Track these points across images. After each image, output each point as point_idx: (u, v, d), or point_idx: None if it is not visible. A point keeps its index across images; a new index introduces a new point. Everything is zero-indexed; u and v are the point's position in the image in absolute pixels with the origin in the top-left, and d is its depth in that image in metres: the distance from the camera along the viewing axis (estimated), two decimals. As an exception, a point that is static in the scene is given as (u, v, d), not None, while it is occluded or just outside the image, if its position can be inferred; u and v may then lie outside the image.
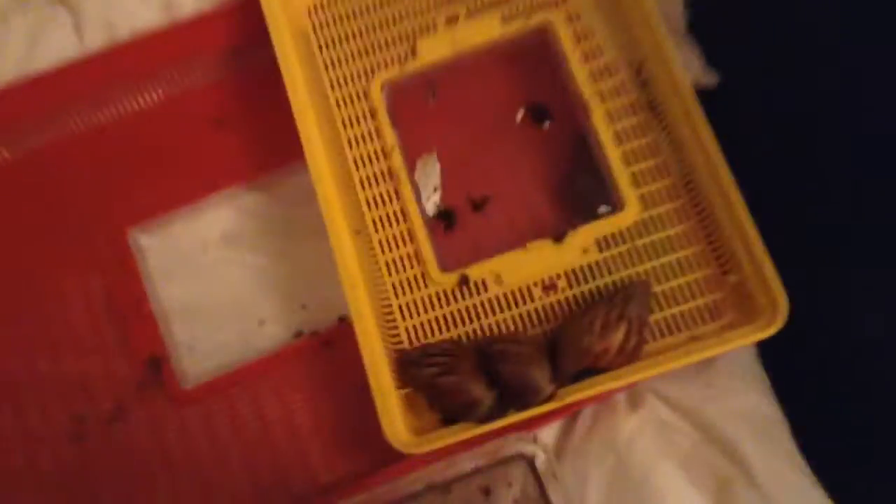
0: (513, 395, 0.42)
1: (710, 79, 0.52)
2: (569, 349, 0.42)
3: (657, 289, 0.45)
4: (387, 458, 0.44)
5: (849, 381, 0.45)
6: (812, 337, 0.45)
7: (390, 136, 0.50)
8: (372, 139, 0.50)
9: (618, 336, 0.42)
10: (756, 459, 0.42)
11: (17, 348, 0.49)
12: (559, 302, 0.46)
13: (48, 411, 0.48)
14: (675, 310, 0.45)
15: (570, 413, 0.46)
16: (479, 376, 0.43)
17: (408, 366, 0.45)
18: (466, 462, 0.32)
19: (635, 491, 0.41)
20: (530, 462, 0.32)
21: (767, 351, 0.47)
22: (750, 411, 0.44)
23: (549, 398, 0.42)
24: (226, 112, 0.53)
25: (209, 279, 0.51)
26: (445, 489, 0.32)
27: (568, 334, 0.43)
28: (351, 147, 0.50)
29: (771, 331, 0.41)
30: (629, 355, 0.42)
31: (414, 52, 0.51)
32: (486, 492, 0.35)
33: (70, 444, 0.48)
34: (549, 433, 0.46)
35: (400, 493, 0.32)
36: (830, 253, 0.44)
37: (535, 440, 0.32)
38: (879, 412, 0.43)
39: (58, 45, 0.54)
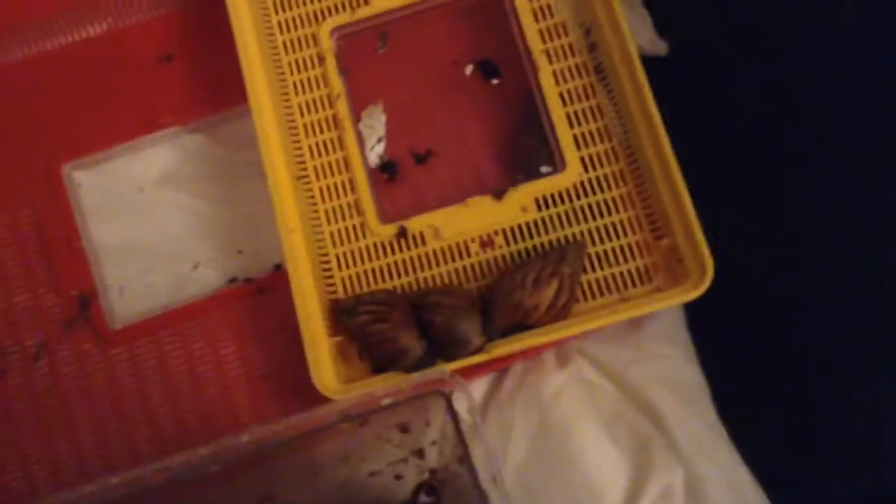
0: (442, 346, 0.43)
1: (659, 47, 0.52)
2: (500, 304, 0.42)
3: (592, 250, 0.46)
4: (314, 405, 0.44)
5: (772, 349, 0.46)
6: (736, 305, 0.46)
7: (337, 83, 0.49)
8: (318, 86, 0.50)
9: (549, 293, 0.42)
10: (676, 422, 0.43)
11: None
12: (496, 258, 0.46)
13: (-29, 345, 0.47)
14: (608, 271, 0.45)
15: (500, 368, 0.46)
16: (411, 326, 0.43)
17: (340, 313, 0.44)
18: (385, 396, 0.32)
19: (557, 445, 0.42)
20: (448, 400, 0.32)
21: (694, 317, 0.48)
22: (673, 375, 0.45)
23: (478, 351, 0.42)
24: (172, 48, 0.52)
25: (144, 219, 0.50)
26: (362, 421, 0.32)
27: (500, 289, 0.43)
28: (297, 93, 0.50)
29: (696, 293, 0.42)
30: (559, 313, 0.43)
31: (366, -1, 0.50)
32: (405, 429, 0.35)
33: (-8, 379, 0.47)
34: (477, 387, 0.46)
35: (315, 423, 0.32)
36: (761, 221, 0.45)
37: (454, 378, 0.32)
38: (799, 379, 0.44)
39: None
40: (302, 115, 0.49)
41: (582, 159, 0.47)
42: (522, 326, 0.43)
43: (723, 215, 0.43)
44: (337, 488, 0.39)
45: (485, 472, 0.33)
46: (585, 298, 0.45)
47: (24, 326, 0.47)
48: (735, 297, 0.45)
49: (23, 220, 0.49)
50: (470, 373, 0.44)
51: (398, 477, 0.39)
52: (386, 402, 0.32)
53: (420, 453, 0.37)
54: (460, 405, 0.32)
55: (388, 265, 0.47)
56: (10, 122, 0.51)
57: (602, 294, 0.45)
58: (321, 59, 0.50)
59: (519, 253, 0.46)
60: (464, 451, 0.31)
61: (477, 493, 0.32)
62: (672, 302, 0.43)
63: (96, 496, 0.32)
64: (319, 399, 0.42)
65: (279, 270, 0.49)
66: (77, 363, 0.47)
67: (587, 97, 0.48)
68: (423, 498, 0.40)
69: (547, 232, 0.46)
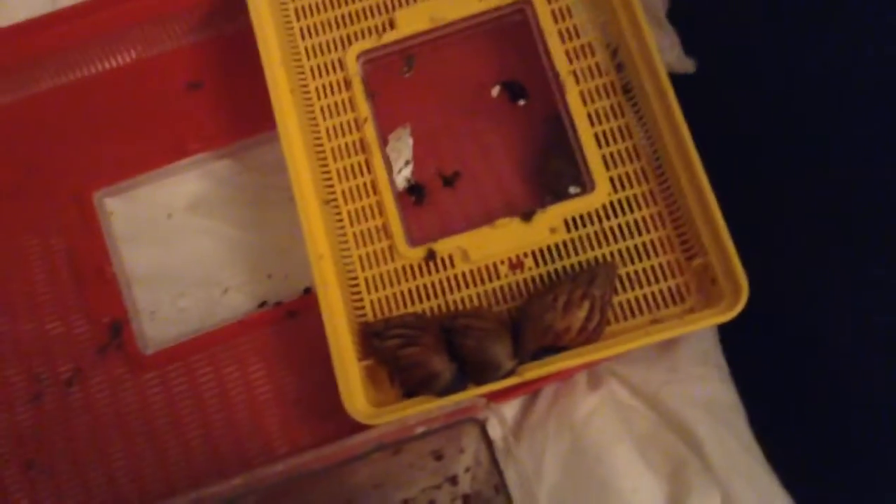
0: (473, 370, 0.42)
1: (687, 65, 0.52)
2: (531, 326, 0.42)
3: (622, 271, 0.45)
4: (346, 430, 0.43)
5: (807, 370, 0.45)
6: (772, 326, 0.45)
7: (364, 107, 0.49)
8: (346, 110, 0.50)
9: (580, 315, 0.42)
10: (711, 444, 0.43)
11: (-24, 307, 0.48)
12: (525, 280, 0.46)
13: (6, 372, 0.47)
14: (639, 292, 0.45)
15: (531, 391, 0.46)
16: (441, 350, 0.42)
17: (370, 337, 0.44)
18: (418, 424, 0.32)
19: (591, 468, 0.42)
20: (482, 428, 0.32)
21: (729, 339, 0.47)
22: (708, 397, 0.44)
23: (510, 374, 0.42)
24: (200, 76, 0.52)
25: (174, 245, 0.50)
26: (396, 450, 0.32)
27: (531, 311, 0.43)
28: (324, 117, 0.50)
29: (731, 314, 0.41)
30: (590, 335, 0.42)
31: (392, 23, 0.50)
32: (438, 457, 0.35)
33: (27, 404, 0.47)
34: (509, 410, 0.46)
35: (348, 453, 0.32)
36: (794, 242, 0.44)
37: (488, 405, 0.32)
38: (836, 402, 0.43)
39: (27, 1, 0.53)
40: (329, 139, 0.49)
41: (611, 179, 0.47)
42: (554, 349, 0.43)
43: (756, 234, 0.43)
44: (370, 515, 0.39)
45: (520, 499, 0.32)
46: (617, 320, 0.45)
47: (57, 353, 0.48)
48: (770, 317, 0.45)
49: (55, 247, 0.50)
50: (501, 396, 0.44)
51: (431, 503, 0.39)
52: (419, 430, 0.32)
53: (454, 480, 0.37)
54: (494, 431, 0.32)
55: (417, 288, 0.47)
56: (43, 150, 0.51)
57: (634, 315, 0.45)
58: (348, 84, 0.50)
59: (549, 274, 0.46)
60: (499, 479, 0.31)
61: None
62: (705, 323, 0.42)
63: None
64: (351, 423, 0.42)
65: (308, 294, 0.49)
66: (110, 389, 0.47)
67: (615, 117, 0.47)
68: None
69: (577, 253, 0.46)
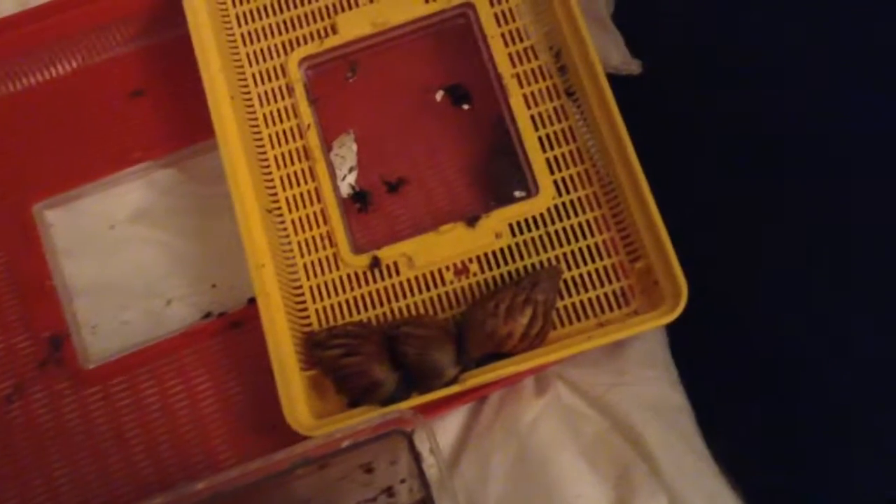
0: (417, 378, 0.42)
1: (632, 66, 0.52)
2: (473, 333, 0.42)
3: (567, 275, 0.45)
4: (290, 441, 0.43)
5: (754, 370, 0.45)
6: (718, 326, 0.45)
7: (307, 114, 0.49)
8: (288, 117, 0.49)
9: (522, 321, 0.41)
10: (659, 447, 0.42)
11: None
12: (471, 286, 0.46)
13: (-58, 389, 0.46)
14: (584, 296, 0.45)
15: (477, 398, 0.45)
16: (384, 358, 0.42)
17: (313, 347, 0.44)
18: (344, 438, 0.31)
19: (535, 475, 0.41)
20: (409, 440, 0.31)
21: (676, 340, 0.47)
22: (656, 400, 0.44)
23: (453, 381, 0.42)
24: (141, 84, 0.52)
25: (116, 257, 0.49)
26: (322, 464, 0.32)
27: (473, 318, 0.42)
28: (267, 124, 0.49)
29: (673, 316, 0.41)
30: (533, 340, 0.42)
31: (334, 28, 0.50)
32: (369, 469, 0.34)
33: (-36, 423, 0.46)
34: (455, 419, 0.45)
35: (276, 468, 0.31)
36: (737, 241, 0.44)
37: (415, 416, 0.31)
38: (783, 402, 0.43)
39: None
40: (272, 146, 0.49)
41: (555, 183, 0.46)
42: (497, 355, 0.43)
43: (698, 236, 0.43)
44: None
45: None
46: (562, 324, 0.45)
47: (-4, 369, 0.47)
48: (716, 317, 0.45)
49: (-7, 261, 0.49)
50: (446, 404, 0.43)
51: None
52: (346, 443, 0.31)
53: (390, 491, 0.37)
54: (422, 445, 0.31)
55: (363, 296, 0.46)
56: (-19, 162, 0.50)
57: (579, 319, 0.44)
58: (290, 90, 0.49)
59: (494, 280, 0.46)
60: (426, 493, 0.30)
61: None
62: (649, 325, 0.42)
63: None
64: (293, 434, 0.42)
65: (253, 304, 0.48)
66: (51, 404, 0.46)
67: (559, 120, 0.47)
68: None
69: (522, 258, 0.46)
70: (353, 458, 0.33)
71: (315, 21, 0.50)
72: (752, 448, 0.44)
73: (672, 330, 0.48)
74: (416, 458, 0.31)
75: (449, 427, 0.45)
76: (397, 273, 0.46)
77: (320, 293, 0.47)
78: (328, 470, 0.32)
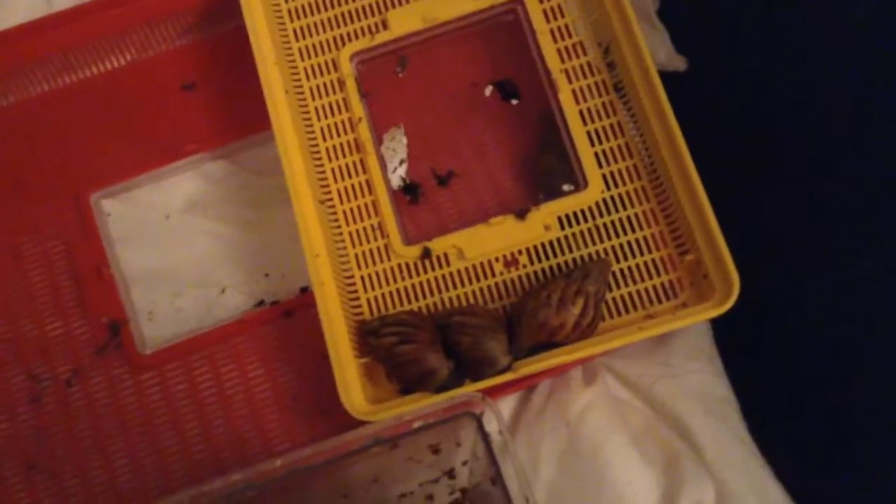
0: (469, 366, 0.43)
1: (678, 62, 0.53)
2: (525, 323, 0.43)
3: (616, 267, 0.46)
4: (344, 426, 0.44)
5: (799, 362, 0.46)
6: (765, 319, 0.46)
7: (358, 107, 0.50)
8: (340, 110, 0.50)
9: (574, 311, 0.42)
10: (705, 437, 0.43)
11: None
12: (520, 277, 0.47)
13: (6, 373, 0.48)
14: (633, 288, 0.46)
15: (526, 386, 0.46)
16: (437, 346, 0.43)
17: (367, 335, 0.45)
18: (415, 419, 0.32)
19: (586, 463, 0.42)
20: (479, 422, 0.32)
21: (722, 333, 0.48)
22: (702, 391, 0.45)
23: (505, 370, 0.42)
24: (195, 77, 0.53)
25: (171, 246, 0.50)
26: (393, 444, 0.33)
27: (525, 308, 0.43)
28: (319, 118, 0.50)
29: (723, 309, 0.42)
30: (584, 331, 0.43)
31: (385, 24, 0.51)
32: (436, 450, 0.35)
33: (27, 405, 0.48)
34: (505, 406, 0.46)
35: (346, 448, 0.32)
36: (785, 236, 0.45)
37: (484, 400, 0.32)
38: (829, 394, 0.44)
39: (25, 3, 0.54)
40: (324, 139, 0.50)
41: (604, 177, 0.47)
42: (548, 345, 0.43)
43: (748, 229, 0.43)
44: (368, 510, 0.39)
45: (517, 492, 0.33)
46: (611, 315, 0.45)
47: (56, 354, 0.48)
48: (763, 310, 0.46)
49: (53, 249, 0.50)
50: (497, 391, 0.44)
51: (429, 497, 0.40)
52: (417, 424, 0.32)
53: (451, 473, 0.37)
54: (490, 426, 0.32)
55: (414, 286, 0.47)
56: (39, 153, 0.52)
57: (627, 311, 0.45)
58: (342, 84, 0.50)
59: (543, 271, 0.47)
60: (496, 472, 0.31)
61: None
62: (698, 318, 0.43)
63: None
64: (349, 420, 0.43)
65: (305, 293, 0.49)
66: (109, 389, 0.48)
67: (607, 115, 0.48)
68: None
69: (571, 250, 0.47)
70: (422, 439, 0.34)
71: (366, 17, 0.51)
72: (796, 441, 0.45)
73: (717, 322, 0.49)
74: (485, 437, 0.31)
75: (498, 415, 0.46)
76: (448, 264, 0.47)
77: (372, 283, 0.48)
78: (398, 450, 0.33)
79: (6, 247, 0.50)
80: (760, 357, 0.46)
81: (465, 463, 0.37)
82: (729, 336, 0.47)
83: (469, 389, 0.42)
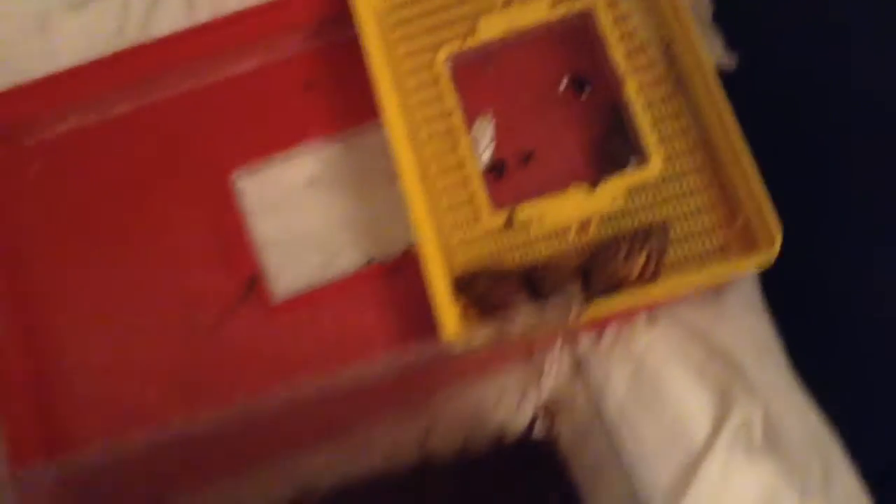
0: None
1: (730, 61, 0.60)
2: (598, 272, 0.51)
3: (674, 235, 0.54)
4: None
5: (839, 307, 0.52)
6: (806, 272, 0.53)
7: (451, 100, 0.59)
8: (436, 102, 0.60)
9: (639, 262, 0.50)
10: (755, 371, 0.50)
11: (146, 264, 0.60)
12: (591, 242, 0.55)
13: (166, 317, 0.58)
14: (689, 250, 0.53)
15: (597, 328, 0.54)
16: (522, 292, 0.52)
17: (462, 285, 0.54)
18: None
19: (649, 384, 0.50)
20: (565, 339, 0.41)
21: (768, 285, 0.55)
22: (751, 331, 0.52)
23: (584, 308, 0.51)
24: (314, 77, 0.63)
25: (296, 214, 0.61)
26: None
27: (597, 261, 0.52)
28: (419, 109, 0.60)
29: (769, 256, 0.49)
30: (648, 280, 0.51)
31: (474, 30, 0.60)
32: (527, 362, 0.44)
33: (181, 344, 0.58)
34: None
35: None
36: (830, 219, 0.52)
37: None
38: (862, 335, 0.51)
39: (172, 15, 0.65)
40: (424, 126, 0.59)
41: (664, 154, 0.55)
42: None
43: (791, 214, 0.50)
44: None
45: (594, 403, 0.41)
46: (669, 276, 0.53)
47: (206, 303, 0.58)
48: (806, 275, 0.52)
49: (200, 218, 0.60)
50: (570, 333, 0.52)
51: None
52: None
53: (538, 385, 0.46)
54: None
55: (500, 249, 0.56)
56: (190, 139, 0.62)
57: (685, 271, 0.53)
58: (438, 81, 0.60)
59: (611, 236, 0.55)
60: (581, 382, 0.39)
61: (589, 416, 0.41)
62: (747, 265, 0.50)
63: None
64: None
65: (408, 254, 0.58)
66: (248, 331, 0.58)
67: (668, 103, 0.56)
68: (539, 424, 0.48)
69: (635, 217, 0.55)
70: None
71: (458, 24, 0.60)
72: (836, 375, 0.51)
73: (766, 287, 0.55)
74: (572, 353, 0.40)
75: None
76: (528, 230, 0.56)
77: (464, 247, 0.56)
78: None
79: (165, 216, 0.61)
80: (802, 304, 0.53)
81: (549, 376, 0.45)
82: (775, 288, 0.54)
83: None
